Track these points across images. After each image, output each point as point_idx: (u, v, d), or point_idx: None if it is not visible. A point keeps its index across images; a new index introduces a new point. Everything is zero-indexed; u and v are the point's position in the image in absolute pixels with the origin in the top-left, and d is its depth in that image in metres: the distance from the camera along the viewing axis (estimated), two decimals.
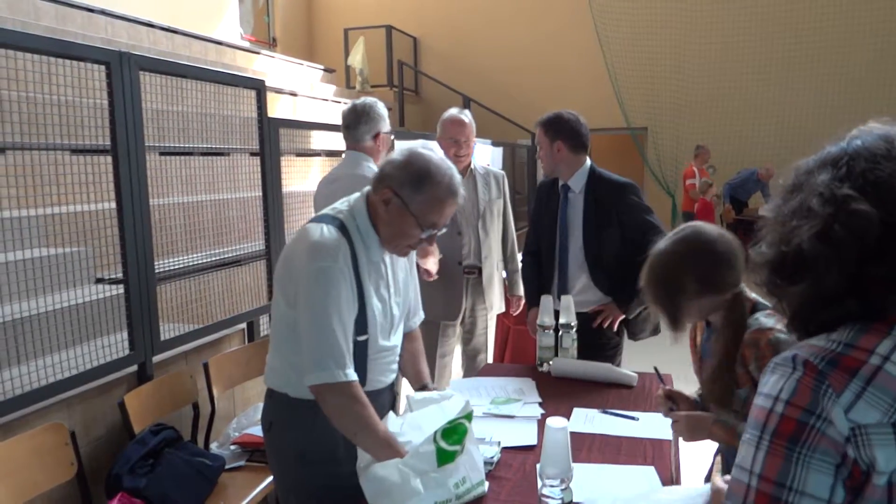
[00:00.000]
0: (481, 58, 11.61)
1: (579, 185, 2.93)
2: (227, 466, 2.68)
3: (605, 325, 2.89)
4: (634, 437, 2.05)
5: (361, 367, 1.81)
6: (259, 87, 3.40)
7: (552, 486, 1.53)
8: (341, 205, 1.86)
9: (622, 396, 2.41)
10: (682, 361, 2.19)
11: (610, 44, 10.67)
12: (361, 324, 1.79)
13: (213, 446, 2.88)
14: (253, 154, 3.52)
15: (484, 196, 3.35)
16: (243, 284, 3.48)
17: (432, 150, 1.85)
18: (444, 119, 3.35)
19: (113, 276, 2.76)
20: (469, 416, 1.66)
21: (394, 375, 1.98)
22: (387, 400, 1.98)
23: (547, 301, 2.75)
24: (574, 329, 2.68)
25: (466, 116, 3.34)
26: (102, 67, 2.52)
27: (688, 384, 2.02)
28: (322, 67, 10.83)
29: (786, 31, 10.14)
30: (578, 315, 2.77)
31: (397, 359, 1.99)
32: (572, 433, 2.04)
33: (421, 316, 2.15)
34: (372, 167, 2.88)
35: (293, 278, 1.75)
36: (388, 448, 1.65)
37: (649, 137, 11.14)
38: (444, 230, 1.86)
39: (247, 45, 10.13)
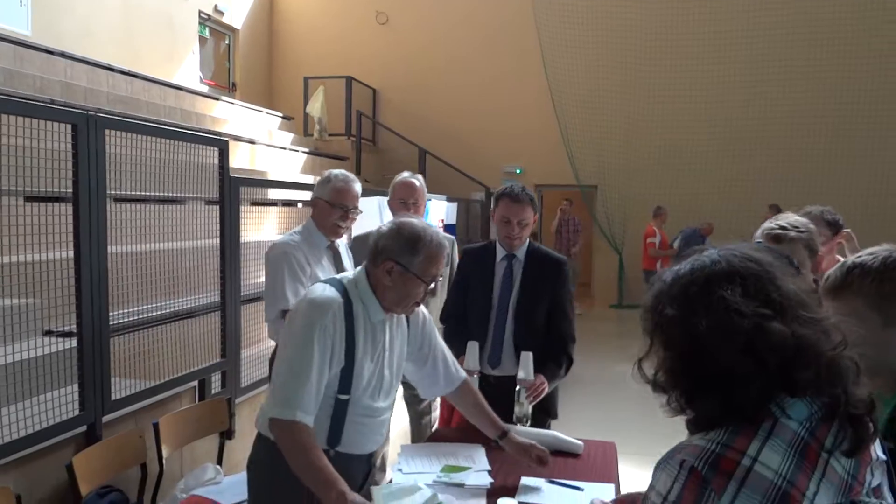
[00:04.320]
0: (439, 111, 11.88)
1: (523, 255, 2.96)
2: None
3: (539, 396, 2.75)
4: None
5: (337, 427, 1.89)
6: (223, 147, 3.47)
7: None
8: (346, 273, 2.06)
9: (568, 464, 2.49)
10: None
11: (563, 103, 11.10)
12: (346, 381, 1.89)
13: None
14: (209, 203, 3.49)
15: None
16: (197, 338, 3.46)
17: (412, 215, 2.10)
18: (395, 182, 3.42)
19: (62, 329, 2.73)
20: None
21: (375, 447, 2.03)
22: (359, 471, 2.01)
23: (473, 347, 2.74)
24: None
25: (418, 180, 3.41)
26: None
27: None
28: (281, 115, 10.93)
29: (735, 99, 10.74)
30: (507, 380, 2.75)
31: (384, 430, 2.06)
32: None
33: (462, 374, 2.33)
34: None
35: (287, 326, 1.92)
36: (331, 489, 1.70)
37: (598, 195, 11.51)
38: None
39: (206, 89, 10.18)
